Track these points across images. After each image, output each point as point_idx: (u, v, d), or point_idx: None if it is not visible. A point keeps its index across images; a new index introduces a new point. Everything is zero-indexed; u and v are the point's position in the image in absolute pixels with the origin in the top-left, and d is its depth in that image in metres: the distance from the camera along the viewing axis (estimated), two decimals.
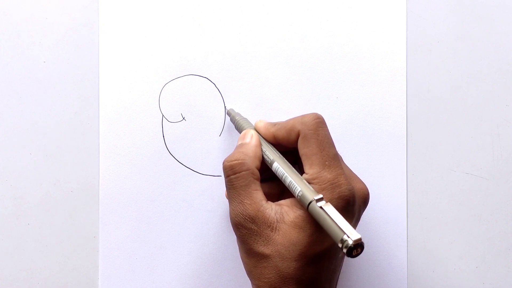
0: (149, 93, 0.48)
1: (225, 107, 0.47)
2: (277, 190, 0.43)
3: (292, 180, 0.40)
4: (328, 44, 0.49)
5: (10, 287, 0.47)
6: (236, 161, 0.41)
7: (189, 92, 0.48)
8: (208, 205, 0.48)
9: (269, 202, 0.40)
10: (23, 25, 0.47)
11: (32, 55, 0.47)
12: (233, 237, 0.47)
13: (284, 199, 0.41)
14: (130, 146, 0.47)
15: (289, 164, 0.41)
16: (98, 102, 0.47)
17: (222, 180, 0.48)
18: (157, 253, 0.47)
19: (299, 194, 0.39)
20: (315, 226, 0.38)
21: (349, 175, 0.41)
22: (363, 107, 0.49)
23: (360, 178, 0.42)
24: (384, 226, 0.48)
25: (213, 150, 0.48)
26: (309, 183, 0.39)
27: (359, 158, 0.48)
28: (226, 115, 0.47)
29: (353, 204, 0.40)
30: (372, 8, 0.49)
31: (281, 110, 0.48)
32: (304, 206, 0.38)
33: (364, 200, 0.41)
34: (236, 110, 0.47)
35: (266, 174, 0.43)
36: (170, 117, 0.48)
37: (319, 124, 0.41)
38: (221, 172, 0.48)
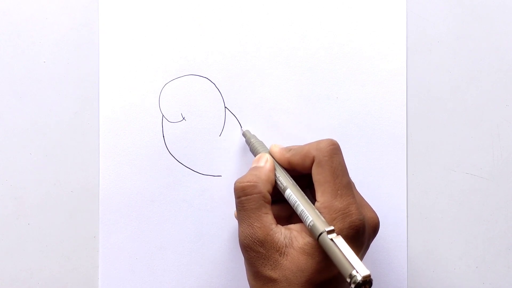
0: (149, 93, 0.48)
1: (241, 126, 0.47)
2: (287, 212, 0.43)
3: (304, 209, 0.40)
4: (328, 44, 0.49)
5: (10, 287, 0.47)
6: (248, 183, 0.41)
7: (189, 92, 0.48)
8: (208, 205, 0.48)
9: (279, 226, 0.40)
10: (23, 25, 0.47)
11: (32, 55, 0.47)
12: (233, 237, 0.47)
13: (294, 222, 0.41)
14: (130, 146, 0.47)
15: (301, 192, 0.41)
16: (98, 102, 0.47)
17: (222, 180, 0.48)
18: (157, 253, 0.47)
19: (310, 224, 0.39)
20: (323, 254, 0.38)
21: (361, 204, 0.41)
22: (363, 107, 0.49)
23: (371, 206, 0.43)
24: (384, 226, 0.48)
25: (213, 150, 0.48)
26: (320, 211, 0.39)
27: (359, 158, 0.48)
28: (241, 136, 0.47)
29: (362, 234, 0.40)
30: (372, 8, 0.49)
31: (281, 110, 0.48)
32: (315, 237, 0.38)
33: (374, 229, 0.42)
34: (252, 132, 0.47)
35: (276, 196, 0.43)
36: (170, 117, 0.48)
37: (334, 150, 0.41)
38: (221, 172, 0.48)
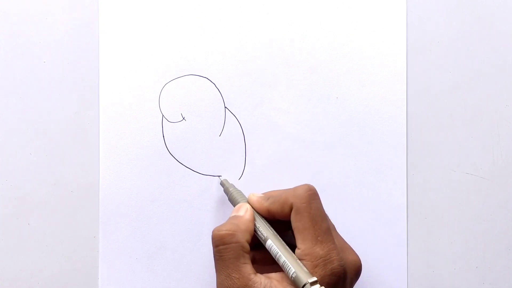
0: (149, 93, 0.48)
1: (222, 177, 0.47)
2: (270, 255, 0.43)
3: (286, 260, 0.40)
4: (328, 44, 0.49)
5: (10, 287, 0.47)
6: (226, 231, 0.41)
7: (189, 92, 0.48)
8: (208, 205, 0.48)
9: (258, 275, 0.40)
10: (23, 25, 0.47)
11: (32, 55, 0.47)
12: None
13: (278, 266, 0.41)
14: (130, 146, 0.47)
15: (282, 241, 0.41)
16: (98, 102, 0.47)
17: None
18: (157, 253, 0.47)
19: (293, 276, 0.39)
20: None
21: (342, 247, 0.41)
22: (363, 107, 0.49)
23: (353, 248, 0.43)
24: (384, 226, 0.48)
25: (213, 150, 0.48)
26: (301, 259, 0.40)
27: (359, 158, 0.48)
28: (219, 185, 0.47)
29: (344, 279, 0.40)
30: (372, 8, 0.49)
31: (281, 110, 0.48)
32: None
33: (356, 272, 0.42)
34: (230, 181, 0.47)
35: (258, 240, 0.43)
36: (170, 117, 0.48)
37: (311, 196, 0.41)
38: (220, 172, 0.48)
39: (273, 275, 0.40)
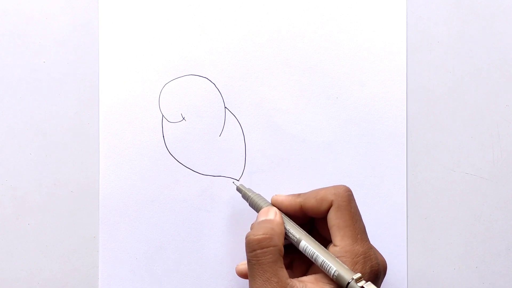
0: (149, 93, 0.48)
1: (237, 182, 0.47)
2: (286, 260, 0.43)
3: (325, 260, 0.40)
4: (328, 44, 0.49)
5: (10, 287, 0.47)
6: (264, 235, 0.40)
7: (189, 92, 0.48)
8: (208, 205, 0.48)
9: (292, 280, 0.39)
10: (23, 25, 0.47)
11: (32, 55, 0.47)
12: (233, 237, 0.47)
13: (294, 269, 0.41)
14: (130, 146, 0.47)
15: (316, 241, 0.41)
16: (98, 102, 0.47)
17: (222, 180, 0.48)
18: (157, 253, 0.47)
19: (335, 274, 0.39)
20: None
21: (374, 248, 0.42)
22: (363, 107, 0.49)
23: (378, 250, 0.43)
24: (384, 226, 0.48)
25: (213, 150, 0.48)
26: (340, 255, 0.40)
27: (359, 158, 0.48)
28: (236, 191, 0.46)
29: (379, 277, 0.40)
30: (372, 8, 0.49)
31: (281, 110, 0.48)
32: (343, 286, 0.38)
33: (384, 271, 0.42)
34: (246, 186, 0.46)
35: None
36: (170, 117, 0.48)
37: (351, 196, 0.42)
38: (220, 172, 0.48)
39: (305, 278, 0.40)
